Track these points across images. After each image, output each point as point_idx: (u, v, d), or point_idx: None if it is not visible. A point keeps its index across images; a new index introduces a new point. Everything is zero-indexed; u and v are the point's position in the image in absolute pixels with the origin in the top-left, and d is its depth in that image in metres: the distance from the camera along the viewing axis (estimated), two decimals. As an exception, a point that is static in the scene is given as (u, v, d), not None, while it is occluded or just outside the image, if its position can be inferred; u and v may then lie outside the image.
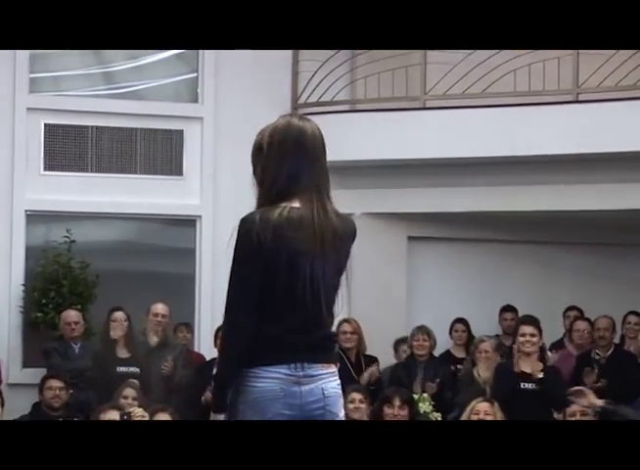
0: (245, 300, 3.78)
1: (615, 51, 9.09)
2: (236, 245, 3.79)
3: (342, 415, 3.95)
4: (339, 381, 3.92)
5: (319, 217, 3.80)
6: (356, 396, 7.62)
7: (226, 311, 3.82)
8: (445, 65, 9.68)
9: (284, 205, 3.78)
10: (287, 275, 3.75)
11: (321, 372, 3.86)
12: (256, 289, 3.77)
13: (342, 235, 3.87)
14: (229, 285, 3.82)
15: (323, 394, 3.86)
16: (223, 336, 3.91)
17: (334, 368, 3.92)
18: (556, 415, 6.73)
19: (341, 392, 3.93)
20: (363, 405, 7.58)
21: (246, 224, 3.76)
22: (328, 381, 3.88)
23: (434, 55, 9.77)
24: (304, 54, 10.43)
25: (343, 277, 3.94)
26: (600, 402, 6.09)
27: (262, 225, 3.73)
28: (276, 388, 3.78)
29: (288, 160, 3.83)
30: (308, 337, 3.81)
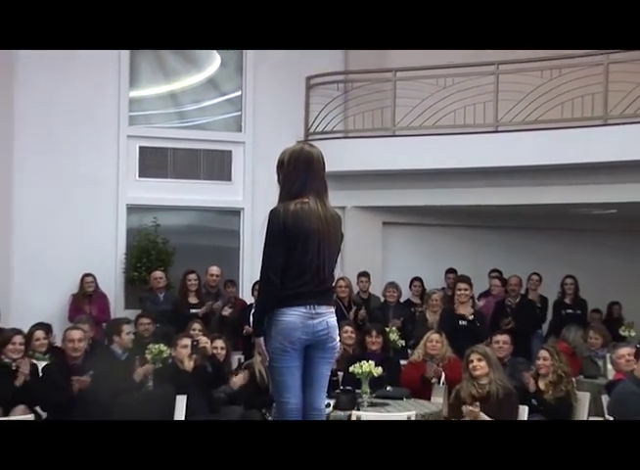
0: (273, 264, 3.85)
1: (524, 96, 9.08)
2: (267, 228, 3.89)
3: (337, 339, 4.04)
4: (335, 317, 4.00)
5: (321, 208, 3.90)
6: (349, 328, 7.56)
7: (261, 272, 3.92)
8: (408, 107, 9.65)
9: (295, 201, 3.88)
10: (302, 246, 3.83)
11: (326, 311, 3.93)
12: (281, 257, 3.84)
13: (336, 221, 3.99)
14: (263, 255, 3.91)
15: (327, 325, 3.93)
16: (259, 288, 4.04)
17: (332, 309, 4.00)
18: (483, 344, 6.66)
19: (336, 324, 4.01)
20: (353, 335, 7.53)
21: (274, 214, 3.87)
22: (330, 317, 3.95)
23: (401, 100, 9.75)
24: (313, 98, 10.41)
25: (339, 249, 4.05)
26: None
27: (285, 213, 3.84)
28: (297, 321, 3.86)
29: (300, 173, 3.93)
30: (317, 288, 3.90)
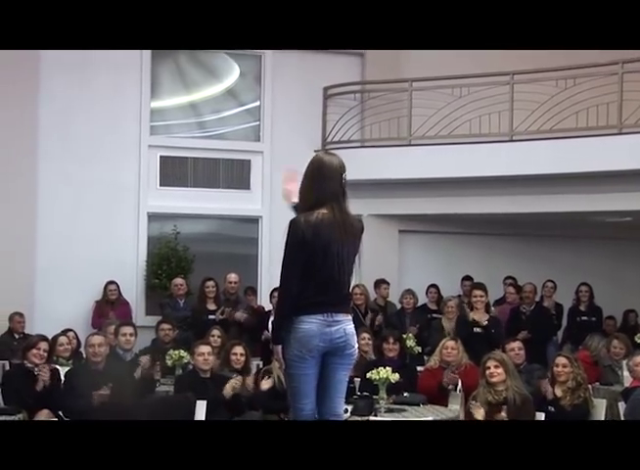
0: (293, 274, 3.83)
1: (539, 106, 9.01)
2: (287, 238, 3.86)
3: (356, 346, 4.02)
4: (353, 325, 3.98)
5: (341, 218, 3.85)
6: (366, 335, 7.53)
7: (281, 281, 3.89)
8: (424, 116, 9.61)
9: (316, 211, 3.83)
10: (322, 257, 3.81)
11: (343, 319, 3.91)
12: (299, 267, 3.82)
13: (356, 230, 3.94)
14: (283, 264, 3.88)
15: (345, 332, 3.91)
16: (279, 297, 4.01)
17: (350, 317, 3.97)
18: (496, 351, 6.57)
19: (354, 331, 3.99)
20: (370, 341, 7.48)
21: (294, 225, 3.83)
22: (347, 324, 3.92)
23: (417, 109, 9.71)
24: (331, 108, 10.38)
25: (357, 257, 4.01)
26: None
27: (305, 225, 3.80)
28: (315, 328, 3.84)
29: (315, 182, 3.89)
30: (335, 296, 3.87)
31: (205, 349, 6.51)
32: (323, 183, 3.86)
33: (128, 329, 7.08)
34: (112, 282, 9.35)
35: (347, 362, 3.98)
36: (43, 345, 6.32)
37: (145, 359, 6.50)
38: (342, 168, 3.92)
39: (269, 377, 6.56)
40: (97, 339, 6.32)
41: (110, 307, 9.26)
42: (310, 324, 3.83)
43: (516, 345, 6.96)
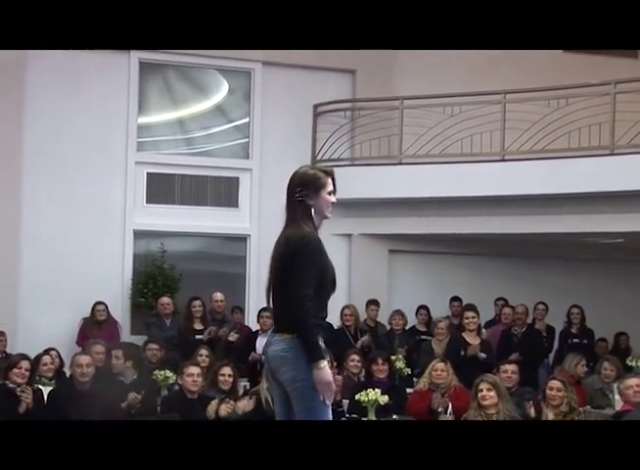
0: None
1: (530, 125, 9.06)
2: None
3: (283, 370, 3.57)
4: (284, 346, 3.55)
5: (279, 240, 3.71)
6: (355, 357, 7.47)
7: None
8: (415, 135, 9.64)
9: None
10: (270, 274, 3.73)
11: (273, 340, 3.65)
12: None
13: (291, 245, 3.62)
14: None
15: (267, 356, 3.69)
16: None
17: (285, 336, 3.56)
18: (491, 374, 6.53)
19: (285, 354, 3.55)
20: (360, 364, 7.41)
21: None
22: (274, 346, 3.62)
23: (408, 128, 9.74)
24: (321, 126, 10.41)
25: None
26: None
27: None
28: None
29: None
30: (274, 315, 3.80)
31: (194, 370, 6.48)
32: (286, 201, 3.75)
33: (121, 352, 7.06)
34: (100, 303, 9.25)
35: (288, 390, 3.57)
36: (25, 364, 6.26)
37: (132, 396, 6.42)
38: (295, 183, 3.72)
39: (251, 398, 6.51)
40: (85, 359, 6.30)
41: (97, 327, 9.17)
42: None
43: (510, 368, 6.92)
